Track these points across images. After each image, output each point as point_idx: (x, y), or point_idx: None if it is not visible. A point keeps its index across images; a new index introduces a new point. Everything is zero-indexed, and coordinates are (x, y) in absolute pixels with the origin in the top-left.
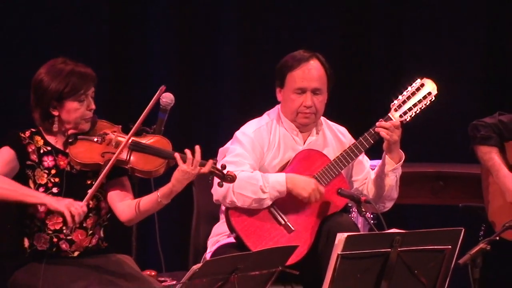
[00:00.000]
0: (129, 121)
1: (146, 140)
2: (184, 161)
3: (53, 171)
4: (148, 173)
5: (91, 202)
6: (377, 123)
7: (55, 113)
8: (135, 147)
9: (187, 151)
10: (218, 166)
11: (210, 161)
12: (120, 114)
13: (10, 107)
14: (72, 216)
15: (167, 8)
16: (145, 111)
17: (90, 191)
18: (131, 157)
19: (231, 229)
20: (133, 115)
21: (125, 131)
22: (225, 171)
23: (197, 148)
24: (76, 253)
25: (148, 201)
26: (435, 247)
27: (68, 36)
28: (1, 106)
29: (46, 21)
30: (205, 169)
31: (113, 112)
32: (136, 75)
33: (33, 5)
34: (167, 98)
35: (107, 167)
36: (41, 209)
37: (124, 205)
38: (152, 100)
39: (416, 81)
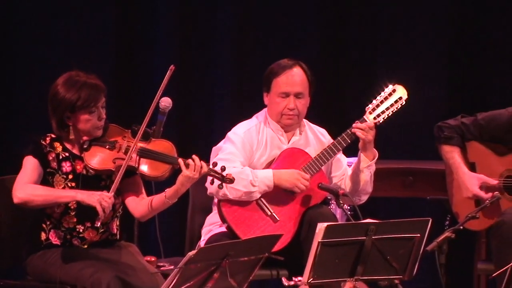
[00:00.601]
0: (134, 121)
1: (153, 146)
2: (187, 167)
3: (70, 176)
4: (155, 178)
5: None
6: (354, 125)
7: (69, 123)
8: (143, 154)
9: (191, 159)
10: (217, 168)
11: (210, 166)
12: (126, 112)
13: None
14: (103, 209)
15: (170, 19)
16: (149, 112)
17: (114, 184)
18: (140, 164)
19: (223, 219)
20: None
21: (134, 135)
22: (224, 173)
23: (195, 157)
24: (86, 246)
25: (157, 201)
26: (406, 235)
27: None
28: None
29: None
30: (207, 172)
31: (120, 113)
32: (140, 79)
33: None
34: (166, 102)
35: (119, 175)
36: (58, 210)
37: (137, 203)
38: (161, 87)
39: (389, 87)
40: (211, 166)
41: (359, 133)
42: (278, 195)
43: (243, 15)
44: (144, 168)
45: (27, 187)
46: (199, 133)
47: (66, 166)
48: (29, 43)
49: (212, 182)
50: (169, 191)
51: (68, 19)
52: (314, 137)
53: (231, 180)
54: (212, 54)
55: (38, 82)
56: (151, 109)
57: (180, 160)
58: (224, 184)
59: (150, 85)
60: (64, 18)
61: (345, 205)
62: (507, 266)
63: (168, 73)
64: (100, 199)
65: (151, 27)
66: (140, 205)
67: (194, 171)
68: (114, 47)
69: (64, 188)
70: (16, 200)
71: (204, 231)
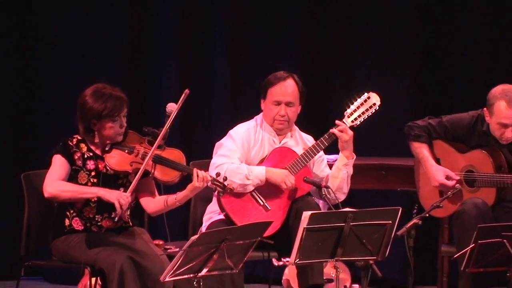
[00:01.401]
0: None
1: (166, 154)
2: (197, 179)
3: (93, 173)
4: (166, 182)
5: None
6: (335, 125)
7: (95, 128)
8: (158, 161)
9: (200, 172)
10: (219, 178)
11: (214, 176)
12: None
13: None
14: (121, 206)
15: (171, 32)
16: (167, 123)
17: (131, 186)
18: (155, 169)
19: (221, 208)
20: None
21: (150, 143)
22: (226, 183)
23: (202, 172)
24: (103, 231)
25: (169, 202)
26: (379, 222)
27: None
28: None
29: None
30: (212, 182)
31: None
32: (147, 89)
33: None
34: (171, 107)
35: (136, 177)
36: (80, 201)
37: (150, 201)
38: (177, 107)
39: (364, 94)
40: (214, 176)
41: (338, 134)
42: (270, 188)
43: (238, 27)
44: (157, 173)
45: (56, 183)
46: (198, 131)
47: (90, 164)
48: (54, 51)
49: (215, 190)
50: (179, 195)
51: (87, 32)
52: (302, 141)
53: (231, 190)
54: (210, 59)
55: (61, 88)
56: (165, 127)
57: (194, 171)
58: (225, 192)
59: (156, 90)
60: (83, 31)
61: (327, 196)
62: (467, 249)
63: (183, 97)
64: (118, 197)
65: (156, 35)
66: (152, 202)
67: (202, 183)
68: (126, 61)
69: (87, 182)
70: (46, 194)
71: (205, 218)
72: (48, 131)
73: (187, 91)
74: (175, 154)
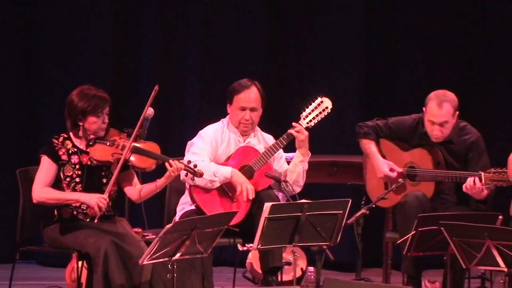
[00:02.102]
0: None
1: (143, 145)
2: (171, 167)
3: (77, 166)
4: (143, 169)
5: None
6: (291, 128)
7: (80, 123)
8: (135, 150)
9: (173, 162)
10: (191, 165)
11: (185, 163)
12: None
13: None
14: (100, 208)
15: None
16: (140, 119)
17: (109, 185)
18: (132, 158)
19: (193, 200)
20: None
21: (129, 137)
22: (196, 169)
23: (175, 161)
24: (88, 219)
25: (148, 188)
26: (331, 212)
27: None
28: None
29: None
30: (184, 169)
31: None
32: (130, 90)
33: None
34: (150, 111)
35: (118, 166)
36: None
37: (133, 189)
38: (148, 103)
39: (318, 99)
40: (186, 163)
41: (295, 134)
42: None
43: (208, 36)
44: (135, 161)
45: (42, 190)
46: (173, 131)
47: (74, 159)
48: (51, 57)
49: (186, 175)
50: (159, 182)
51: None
52: (263, 140)
53: (201, 174)
54: (182, 65)
55: (57, 88)
56: (140, 121)
57: (167, 163)
58: (195, 177)
59: (136, 93)
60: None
61: (285, 189)
62: (409, 235)
63: (153, 93)
64: (97, 202)
65: (137, 46)
66: (135, 191)
67: (175, 171)
68: (113, 68)
69: (72, 174)
70: (34, 201)
71: (178, 208)
72: (46, 131)
73: (156, 87)
74: (151, 146)
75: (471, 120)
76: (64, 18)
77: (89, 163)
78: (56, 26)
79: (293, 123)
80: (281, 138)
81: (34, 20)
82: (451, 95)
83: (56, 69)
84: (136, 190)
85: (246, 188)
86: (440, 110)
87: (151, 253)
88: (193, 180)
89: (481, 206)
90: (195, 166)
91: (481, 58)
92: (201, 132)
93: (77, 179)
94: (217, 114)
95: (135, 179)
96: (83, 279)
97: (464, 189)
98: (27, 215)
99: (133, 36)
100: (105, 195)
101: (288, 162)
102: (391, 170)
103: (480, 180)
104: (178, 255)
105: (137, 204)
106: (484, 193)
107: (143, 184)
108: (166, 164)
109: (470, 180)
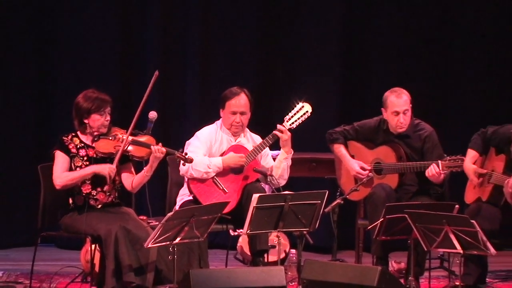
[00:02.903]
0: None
1: (140, 138)
2: (154, 150)
3: (85, 158)
4: (141, 158)
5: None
6: (277, 128)
7: (86, 121)
8: (133, 142)
9: (155, 147)
10: (182, 153)
11: (184, 154)
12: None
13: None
14: (110, 175)
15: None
16: (138, 111)
17: (116, 158)
18: (131, 148)
19: (190, 191)
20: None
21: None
22: (186, 156)
23: (160, 145)
24: (99, 206)
25: (139, 176)
26: (311, 202)
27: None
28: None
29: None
30: (172, 154)
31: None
32: (136, 92)
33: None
34: (153, 115)
35: (118, 153)
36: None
37: (129, 179)
38: (147, 92)
39: (299, 104)
40: (180, 151)
41: (279, 134)
42: (228, 176)
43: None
44: (133, 151)
45: (62, 175)
46: (174, 132)
47: (82, 152)
48: (64, 61)
49: (179, 162)
50: (146, 168)
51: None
52: (252, 140)
53: (191, 160)
54: (184, 74)
55: (68, 94)
56: (138, 111)
57: (152, 147)
58: (186, 163)
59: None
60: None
61: (271, 182)
62: (377, 222)
63: (153, 78)
64: (109, 171)
65: (142, 53)
66: (130, 179)
67: (158, 153)
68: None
69: (81, 165)
70: (58, 187)
71: (178, 199)
72: (59, 131)
73: (156, 72)
74: (147, 138)
75: (430, 117)
76: (75, 28)
77: (95, 155)
78: (67, 36)
79: (278, 125)
80: (267, 138)
81: (49, 33)
82: (404, 90)
83: (68, 77)
84: (130, 181)
85: (238, 160)
86: (400, 100)
87: (155, 237)
88: (184, 165)
89: (438, 189)
90: (186, 154)
91: (441, 66)
92: (197, 133)
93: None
94: (212, 117)
95: (132, 172)
96: (96, 260)
97: (426, 174)
98: (47, 205)
99: (137, 44)
100: (113, 165)
101: (274, 159)
102: (362, 168)
103: (438, 167)
104: (178, 239)
105: (143, 194)
106: (441, 178)
107: (136, 174)
108: (152, 148)
109: (431, 168)
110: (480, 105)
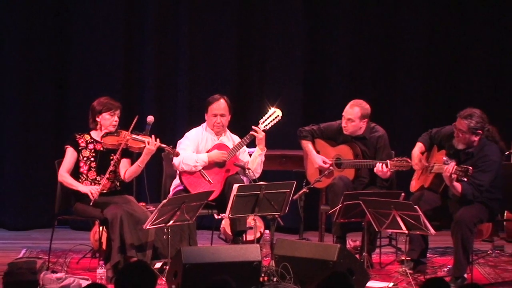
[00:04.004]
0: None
1: (137, 136)
2: (148, 143)
3: (93, 150)
4: (139, 149)
5: (110, 171)
6: (252, 131)
7: (98, 119)
8: (132, 138)
9: (151, 139)
10: (171, 147)
11: (173, 149)
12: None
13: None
14: (92, 194)
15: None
16: (133, 122)
17: (103, 179)
18: (130, 143)
19: (181, 182)
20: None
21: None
22: (173, 151)
23: (151, 140)
24: (104, 191)
25: (133, 167)
26: (281, 190)
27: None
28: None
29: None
30: (163, 148)
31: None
32: (136, 98)
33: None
34: (151, 119)
35: (120, 148)
36: (85, 166)
37: (123, 170)
38: (130, 127)
39: (272, 109)
40: (170, 146)
41: (255, 134)
42: (213, 170)
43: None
44: (131, 144)
45: (63, 174)
46: (168, 132)
47: (90, 146)
48: (80, 65)
49: (170, 157)
50: (139, 160)
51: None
52: (231, 139)
53: (177, 154)
54: (175, 82)
55: (81, 98)
56: (134, 121)
57: (146, 141)
58: (174, 156)
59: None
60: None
61: (249, 174)
62: (336, 207)
63: (134, 121)
64: (90, 190)
65: (140, 65)
66: (125, 169)
67: (152, 146)
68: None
69: (88, 156)
70: (58, 179)
71: (171, 188)
72: (73, 130)
73: (136, 117)
74: (144, 136)
75: (383, 121)
76: (87, 41)
77: (101, 149)
78: (81, 46)
79: (254, 127)
80: (245, 137)
81: (65, 42)
82: (365, 104)
83: (81, 84)
84: (124, 170)
85: (221, 156)
86: (349, 109)
87: (152, 220)
88: (171, 157)
89: (385, 184)
90: (173, 147)
91: (390, 76)
92: (186, 134)
93: (92, 159)
94: (198, 121)
95: (127, 164)
96: (103, 239)
97: (374, 170)
98: (63, 192)
99: (138, 57)
100: (98, 187)
101: (250, 155)
102: (324, 162)
103: (387, 166)
104: (171, 222)
105: (142, 185)
106: (388, 174)
107: (130, 167)
108: (146, 141)
109: (378, 165)
110: (423, 112)
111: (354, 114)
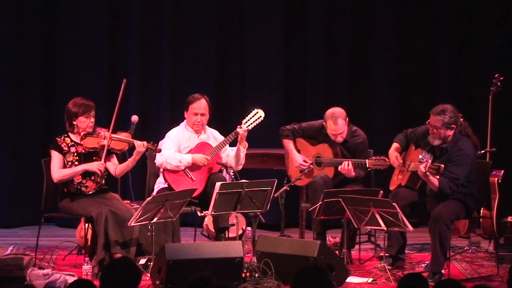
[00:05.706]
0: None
1: (118, 135)
2: (138, 145)
3: (75, 154)
4: (120, 150)
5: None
6: (236, 129)
7: (75, 123)
8: (114, 138)
9: (140, 142)
10: (154, 146)
11: (155, 146)
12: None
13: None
14: (100, 170)
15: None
16: (115, 114)
17: (103, 155)
18: (111, 144)
19: (165, 180)
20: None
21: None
22: (156, 149)
23: (144, 142)
24: (90, 192)
25: (124, 165)
26: (263, 188)
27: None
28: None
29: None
30: (149, 148)
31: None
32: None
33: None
34: (135, 118)
35: (105, 149)
36: None
37: (112, 167)
38: (119, 97)
39: (254, 110)
40: (150, 143)
41: (239, 133)
42: (195, 168)
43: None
44: (113, 145)
45: (58, 171)
46: (151, 131)
47: (73, 149)
48: (64, 75)
49: (149, 151)
50: (130, 159)
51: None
52: (212, 136)
53: (159, 150)
54: (158, 84)
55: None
56: (115, 114)
57: (135, 141)
58: (156, 153)
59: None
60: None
61: (230, 172)
62: (317, 205)
63: (123, 86)
64: (97, 166)
65: (125, 65)
66: (114, 166)
67: (141, 147)
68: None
69: (72, 159)
70: (55, 181)
71: (155, 186)
72: (59, 132)
73: (125, 80)
74: (125, 135)
75: (362, 123)
76: (74, 44)
77: (83, 151)
78: (67, 49)
79: (238, 128)
80: (228, 136)
81: (53, 46)
82: (340, 111)
83: (69, 86)
84: (113, 168)
85: (204, 160)
86: (337, 126)
87: (137, 217)
88: (154, 154)
89: (353, 186)
90: (157, 146)
91: (365, 79)
92: (168, 133)
93: (76, 163)
94: (179, 120)
95: (115, 161)
96: (89, 236)
97: (339, 169)
98: (49, 191)
99: (122, 58)
100: (102, 161)
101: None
102: (304, 161)
103: (366, 164)
104: (155, 219)
105: (127, 183)
106: (353, 174)
107: (120, 164)
108: (135, 143)
109: (345, 164)
110: (398, 113)
111: (342, 125)
